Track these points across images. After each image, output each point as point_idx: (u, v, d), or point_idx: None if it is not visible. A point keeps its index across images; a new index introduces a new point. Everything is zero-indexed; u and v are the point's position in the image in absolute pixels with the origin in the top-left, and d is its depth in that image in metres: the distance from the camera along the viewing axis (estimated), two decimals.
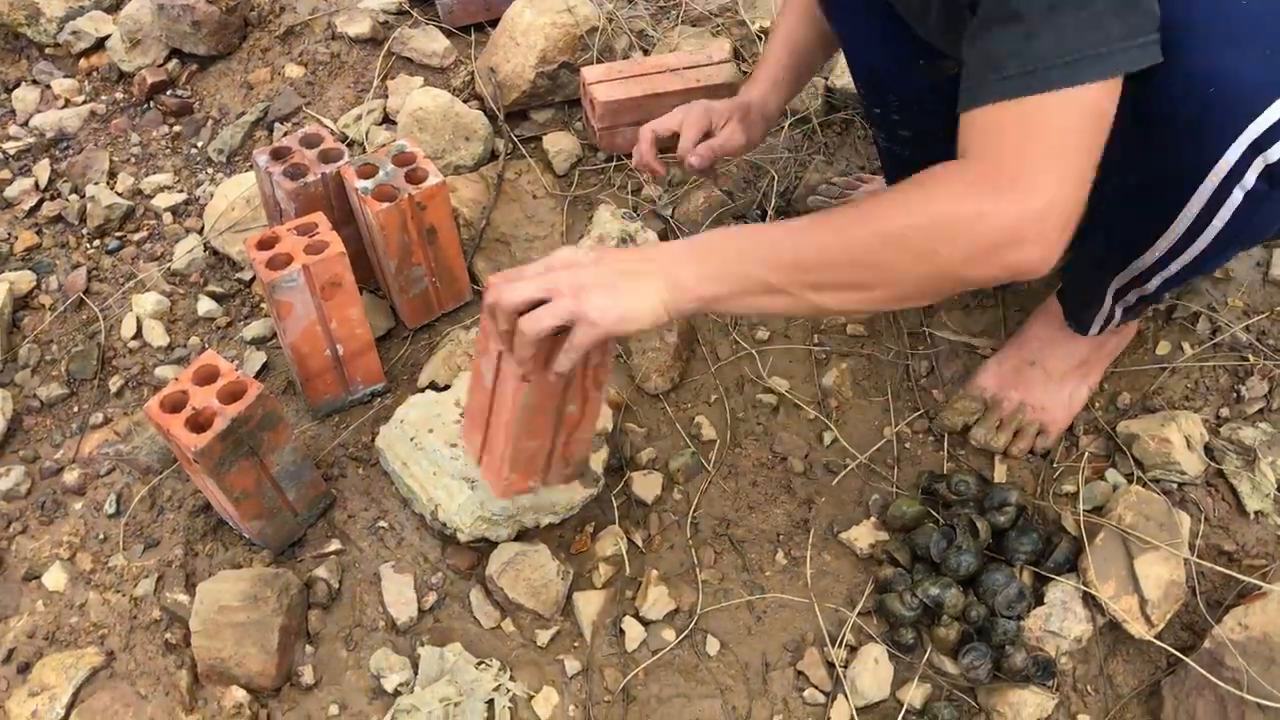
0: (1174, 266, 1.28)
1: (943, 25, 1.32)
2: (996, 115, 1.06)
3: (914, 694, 1.40)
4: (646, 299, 1.14)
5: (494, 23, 2.20)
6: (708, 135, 1.70)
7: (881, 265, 1.11)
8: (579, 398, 1.35)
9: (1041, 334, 1.60)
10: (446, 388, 1.70)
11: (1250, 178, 1.13)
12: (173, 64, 2.30)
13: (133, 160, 2.19)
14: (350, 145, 2.11)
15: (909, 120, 1.67)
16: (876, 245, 1.10)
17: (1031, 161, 1.04)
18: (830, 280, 1.13)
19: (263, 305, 1.89)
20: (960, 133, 1.11)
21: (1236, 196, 1.15)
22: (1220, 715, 1.31)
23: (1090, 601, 1.40)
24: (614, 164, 2.06)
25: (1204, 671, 1.32)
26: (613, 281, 1.14)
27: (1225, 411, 1.61)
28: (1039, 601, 1.42)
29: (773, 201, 1.95)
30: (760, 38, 2.25)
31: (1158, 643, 1.38)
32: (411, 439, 1.57)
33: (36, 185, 2.14)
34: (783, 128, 2.08)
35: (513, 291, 1.15)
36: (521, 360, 1.19)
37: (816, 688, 1.41)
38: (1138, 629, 1.38)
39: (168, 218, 2.07)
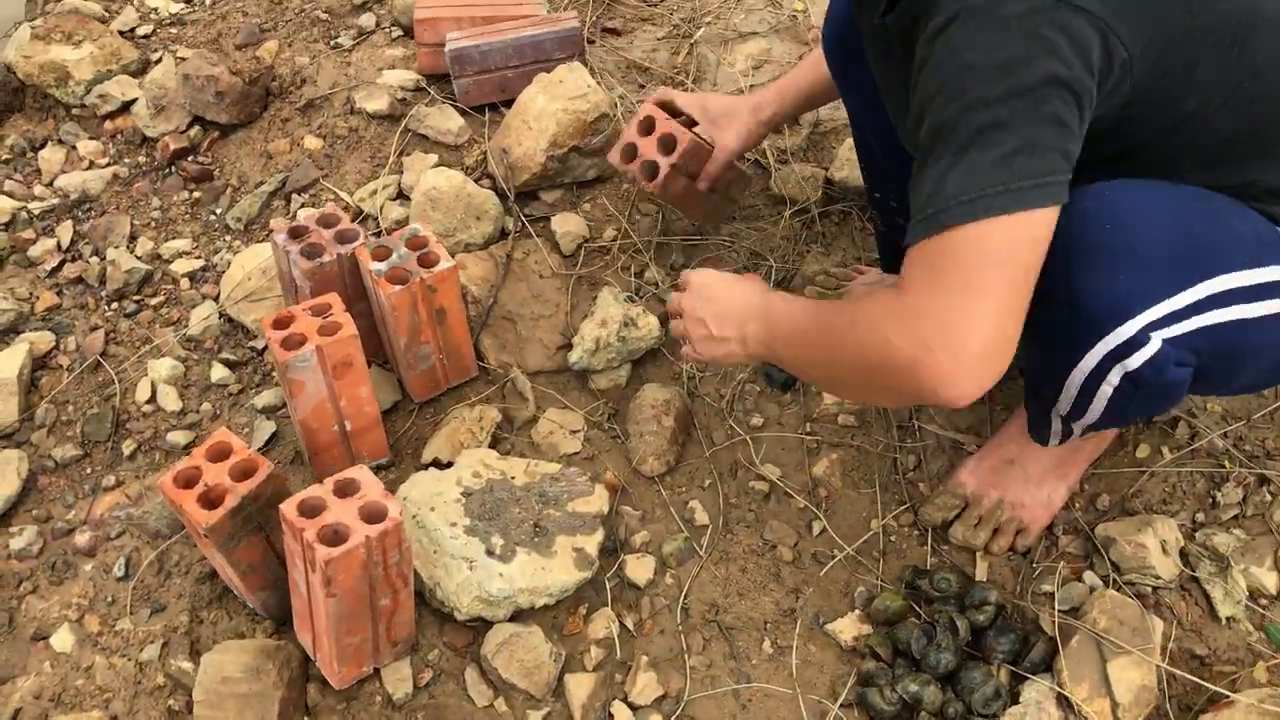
0: (1087, 421, 1.38)
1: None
2: (918, 251, 1.15)
3: None
4: (725, 352, 1.48)
5: (508, 103, 2.28)
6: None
7: (832, 372, 1.31)
8: (388, 591, 1.44)
9: (1019, 435, 1.66)
10: (449, 465, 1.75)
11: (1115, 378, 1.25)
12: (195, 130, 2.37)
13: (153, 224, 2.26)
14: (365, 219, 2.18)
15: (905, 209, 1.73)
16: (831, 354, 1.28)
17: (934, 294, 1.11)
18: (814, 375, 1.41)
19: (274, 374, 1.95)
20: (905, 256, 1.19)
21: (1105, 391, 1.28)
22: None
23: (1064, 702, 1.45)
24: (618, 244, 2.12)
25: None
26: (708, 341, 1.50)
27: (1201, 516, 1.66)
28: (1014, 700, 1.47)
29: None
30: None
31: None
32: (414, 517, 1.63)
33: (59, 246, 2.21)
34: (783, 216, 2.15)
35: (671, 308, 1.57)
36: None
37: None
38: None
39: (185, 283, 2.14)
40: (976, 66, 1.09)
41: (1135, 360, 1.23)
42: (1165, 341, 1.21)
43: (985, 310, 1.10)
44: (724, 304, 1.47)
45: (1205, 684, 1.46)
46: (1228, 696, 1.42)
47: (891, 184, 1.75)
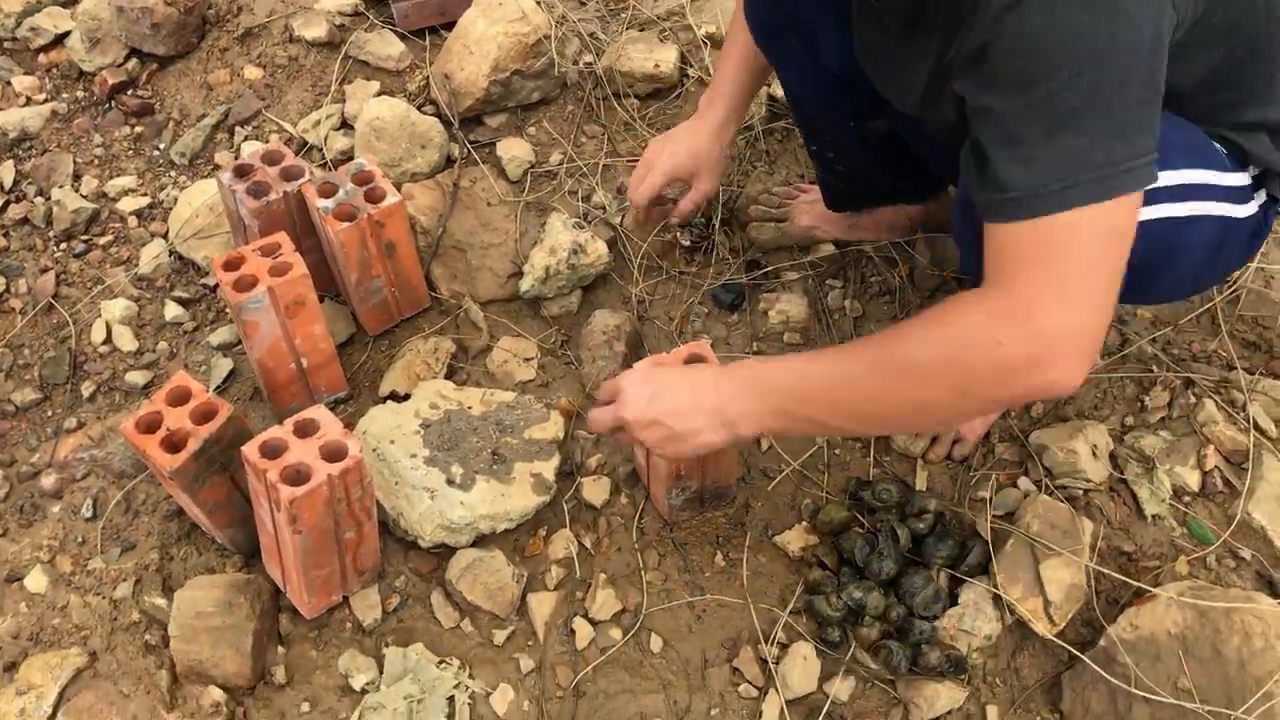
0: None
1: (922, 103, 1.37)
2: (1007, 236, 1.11)
3: (839, 687, 1.53)
4: (701, 443, 1.36)
5: (448, 26, 2.27)
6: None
7: (915, 399, 1.21)
8: (353, 525, 1.50)
9: None
10: (407, 397, 1.79)
11: None
12: (132, 63, 2.34)
13: (96, 162, 2.24)
14: (309, 151, 2.18)
15: (841, 158, 1.77)
16: (907, 383, 1.20)
17: (1041, 287, 1.09)
18: (873, 414, 1.27)
19: (228, 311, 1.97)
20: (985, 238, 1.16)
21: None
22: (1111, 707, 1.45)
23: (999, 602, 1.54)
24: (565, 169, 2.14)
25: (1098, 668, 1.46)
26: (673, 438, 1.37)
27: (1130, 420, 1.74)
28: (954, 602, 1.56)
29: (718, 210, 2.04)
30: (706, 43, 2.33)
31: (1058, 641, 1.52)
32: (374, 450, 1.67)
33: (2, 186, 2.20)
34: None
35: (598, 425, 1.45)
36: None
37: (750, 683, 1.54)
38: (1041, 628, 1.52)
39: (133, 221, 2.14)
40: (1061, 45, 1.04)
41: None
42: None
43: (1089, 298, 1.10)
44: (675, 397, 1.36)
45: (1130, 580, 1.55)
46: (1151, 591, 1.51)
47: (828, 138, 1.77)
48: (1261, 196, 1.41)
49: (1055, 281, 1.09)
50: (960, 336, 1.15)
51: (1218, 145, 1.36)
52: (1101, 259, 1.10)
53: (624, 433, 1.42)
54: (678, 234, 2.03)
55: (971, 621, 1.53)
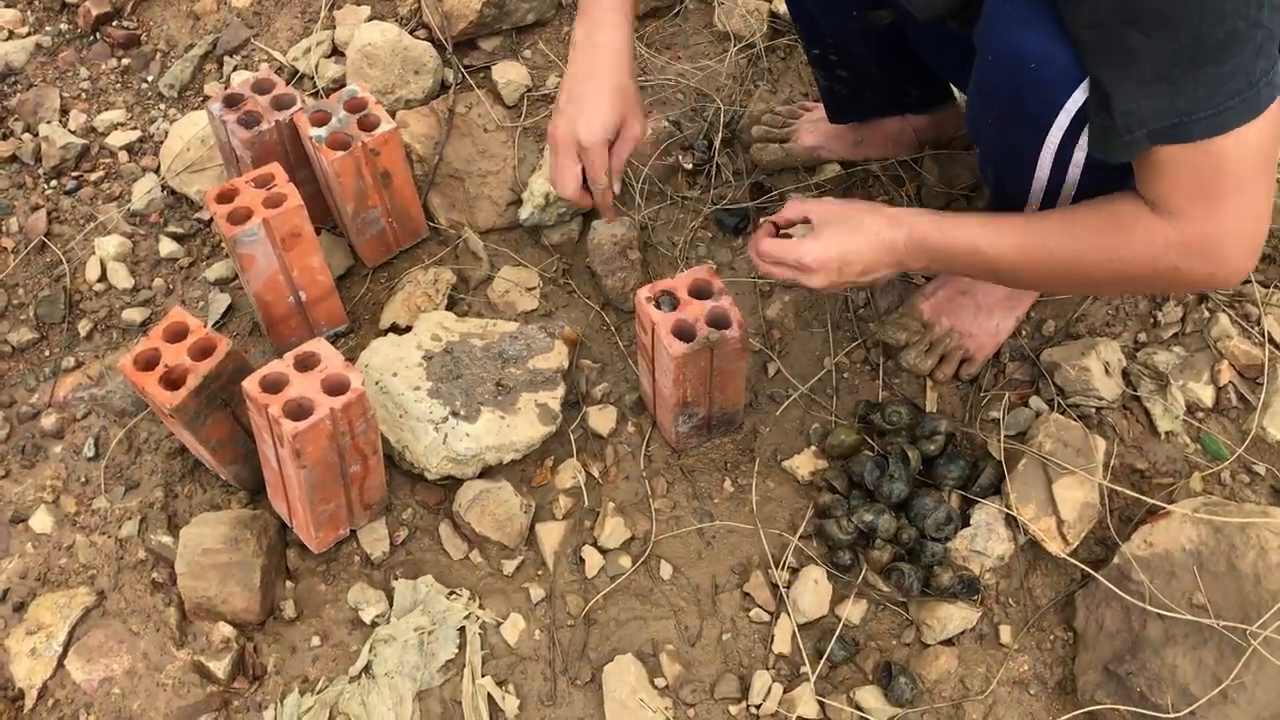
0: None
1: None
2: (1174, 166, 1.15)
3: (851, 610, 1.53)
4: (875, 279, 1.41)
5: None
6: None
7: (1084, 290, 1.48)
8: (358, 458, 1.48)
9: None
10: (408, 329, 1.77)
11: (1085, 139, 1.24)
12: None
13: (83, 96, 2.19)
14: (300, 79, 2.12)
15: (845, 61, 1.72)
16: (1071, 281, 1.34)
17: (1216, 213, 1.15)
18: (1030, 285, 1.47)
19: (224, 245, 1.94)
20: (1139, 175, 1.20)
21: (1078, 157, 1.28)
22: (1125, 624, 1.45)
23: (1012, 523, 1.53)
24: None
25: (1111, 585, 1.45)
26: (849, 281, 1.40)
27: (1143, 336, 1.71)
28: (965, 523, 1.54)
29: (719, 131, 2.00)
30: None
31: (1072, 560, 1.51)
32: (377, 383, 1.65)
33: None
34: (727, 54, 2.12)
35: (771, 254, 1.42)
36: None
37: (761, 607, 1.54)
38: (1055, 547, 1.51)
39: (123, 156, 2.10)
40: None
41: None
42: None
43: (1261, 214, 1.16)
44: (859, 254, 1.38)
45: (1144, 498, 1.54)
46: (1165, 508, 1.50)
47: (830, 39, 1.71)
48: None
49: (1229, 209, 1.15)
50: (1139, 262, 1.22)
51: None
52: (1261, 170, 1.14)
53: (785, 268, 1.41)
54: (679, 157, 1.99)
55: (984, 542, 1.52)
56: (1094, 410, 1.63)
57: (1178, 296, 1.73)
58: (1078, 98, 1.21)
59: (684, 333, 1.49)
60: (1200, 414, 1.64)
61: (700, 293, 1.53)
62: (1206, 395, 1.64)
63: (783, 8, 2.13)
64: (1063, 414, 1.62)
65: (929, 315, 1.71)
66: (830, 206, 1.42)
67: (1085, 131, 1.23)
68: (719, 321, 1.50)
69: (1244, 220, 1.16)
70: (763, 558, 1.58)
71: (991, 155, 1.44)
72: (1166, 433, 1.62)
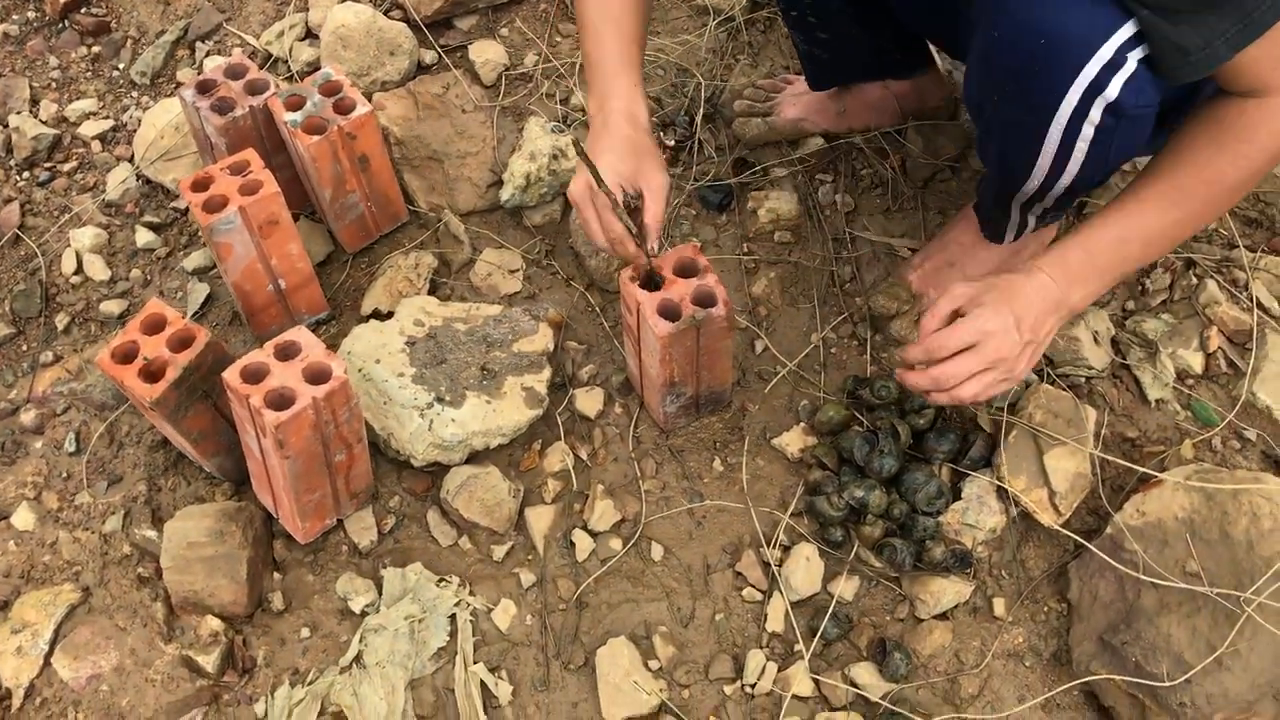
0: (1059, 188, 1.37)
1: None
2: (1259, 56, 1.16)
3: (844, 587, 1.52)
4: (1051, 339, 1.36)
5: None
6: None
7: (1232, 203, 1.35)
8: (342, 447, 1.46)
9: (962, 239, 1.67)
10: (390, 315, 1.75)
11: (1096, 114, 1.24)
12: None
13: (54, 85, 2.16)
14: (274, 64, 2.09)
15: (825, 24, 1.69)
16: (1226, 198, 1.31)
17: None
18: (1187, 234, 1.37)
19: (201, 234, 1.91)
20: (1229, 81, 1.22)
21: (1088, 132, 1.26)
22: (1119, 594, 1.44)
23: (1004, 495, 1.52)
24: (541, 70, 2.07)
25: (1105, 556, 1.45)
26: (1040, 344, 1.33)
27: (1131, 304, 1.70)
28: (956, 497, 1.53)
29: (700, 107, 1.98)
30: None
31: (1064, 531, 1.50)
32: (360, 370, 1.63)
33: None
34: (707, 28, 2.10)
35: (958, 374, 1.31)
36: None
37: (754, 586, 1.53)
38: (1047, 519, 1.50)
39: (96, 146, 2.06)
40: None
41: (1114, 86, 1.21)
42: (1139, 61, 1.20)
43: None
44: (1033, 312, 1.31)
45: (1136, 466, 1.53)
46: (1157, 476, 1.49)
47: (806, 2, 1.68)
48: None
49: None
50: (1271, 147, 1.25)
51: None
52: None
53: (988, 375, 1.31)
54: (661, 134, 1.97)
55: (975, 515, 1.52)
56: (1084, 380, 1.62)
57: (1165, 263, 1.72)
58: (1089, 70, 1.20)
59: (669, 312, 1.47)
60: (1190, 381, 1.63)
61: (685, 271, 1.51)
62: (1196, 362, 1.63)
63: None
64: (1052, 384, 1.61)
65: (917, 286, 1.70)
66: (967, 289, 1.35)
67: (1096, 104, 1.22)
68: (704, 300, 1.48)
69: None
70: (754, 536, 1.56)
71: (995, 131, 1.40)
72: (1157, 400, 1.61)
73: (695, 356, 1.52)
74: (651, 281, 1.50)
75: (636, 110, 1.44)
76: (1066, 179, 1.33)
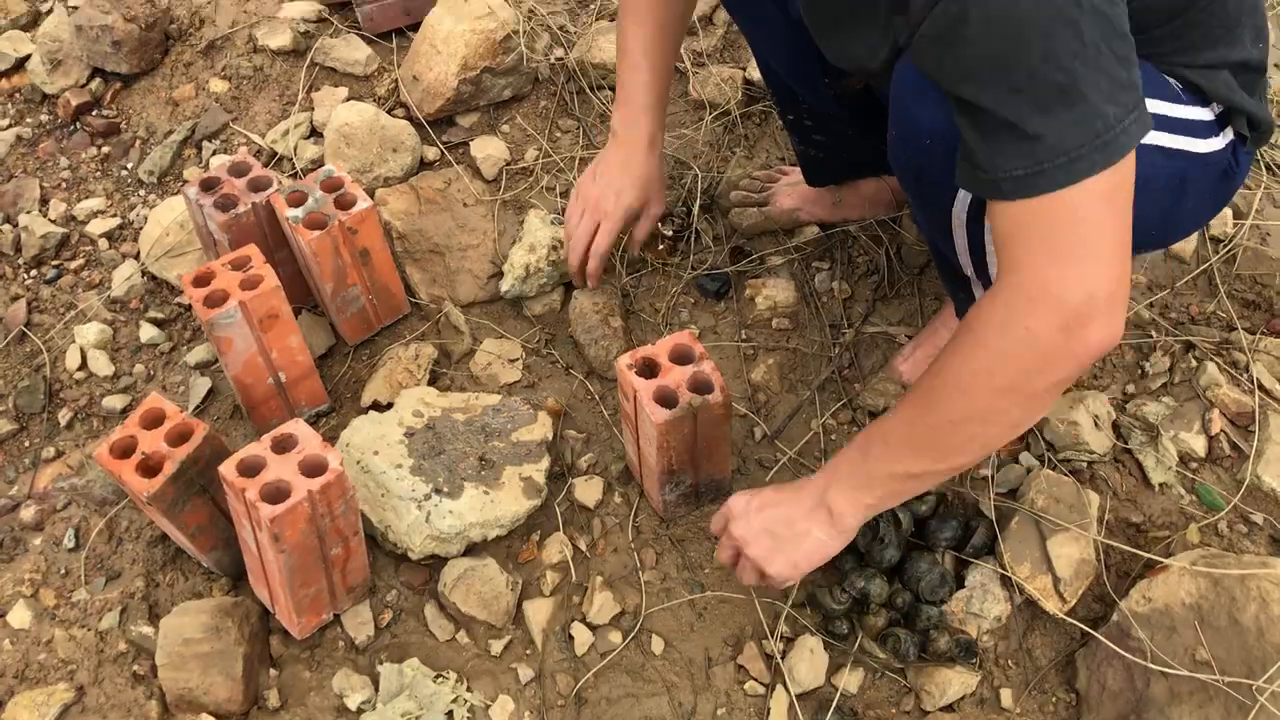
0: (995, 270, 1.35)
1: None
2: (1018, 215, 1.08)
3: (848, 679, 1.49)
4: (813, 545, 1.35)
5: (414, 28, 2.22)
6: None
7: (980, 411, 1.18)
8: (338, 540, 1.46)
9: (950, 323, 1.68)
10: (389, 406, 1.75)
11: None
12: (96, 83, 2.29)
13: (64, 185, 2.20)
14: (280, 161, 2.13)
15: (820, 126, 1.73)
16: (965, 399, 1.17)
17: (1051, 260, 1.07)
18: (954, 444, 1.23)
19: (203, 329, 1.93)
20: (992, 223, 1.14)
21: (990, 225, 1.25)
22: (1128, 683, 1.41)
23: (1007, 582, 1.50)
24: (541, 164, 2.10)
25: (1112, 644, 1.42)
26: (782, 545, 1.36)
27: (1131, 388, 1.70)
28: (960, 585, 1.51)
29: (697, 198, 2.00)
30: None
31: (1070, 619, 1.48)
32: (358, 462, 1.63)
33: None
34: (703, 122, 2.13)
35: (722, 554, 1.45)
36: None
37: (756, 680, 1.50)
38: (1052, 606, 1.48)
39: (103, 243, 2.09)
40: (1030, 19, 1.01)
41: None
42: None
43: (1113, 257, 1.08)
44: (779, 508, 1.37)
45: (1140, 552, 1.51)
46: (1162, 562, 1.47)
47: (803, 105, 1.72)
48: (1228, 134, 1.36)
49: (1065, 250, 1.07)
50: (990, 338, 1.13)
51: (1171, 80, 1.31)
52: (1108, 216, 1.07)
53: (743, 562, 1.42)
54: (659, 224, 1.99)
55: (980, 604, 1.49)
56: (1085, 464, 1.61)
57: (1164, 346, 1.72)
58: None
59: (666, 399, 1.47)
60: (1193, 464, 1.62)
61: (681, 358, 1.51)
62: (1199, 445, 1.62)
63: (756, 75, 2.15)
64: (1054, 469, 1.60)
65: (909, 375, 1.70)
66: (752, 524, 1.39)
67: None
68: (701, 387, 1.48)
69: (1094, 270, 1.07)
70: (756, 628, 1.54)
71: (918, 217, 1.44)
72: (1160, 484, 1.60)
73: (693, 444, 1.52)
74: (649, 368, 1.51)
75: (656, 140, 1.73)
76: (995, 263, 1.31)
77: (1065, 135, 1.03)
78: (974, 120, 1.09)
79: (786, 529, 1.35)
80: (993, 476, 1.59)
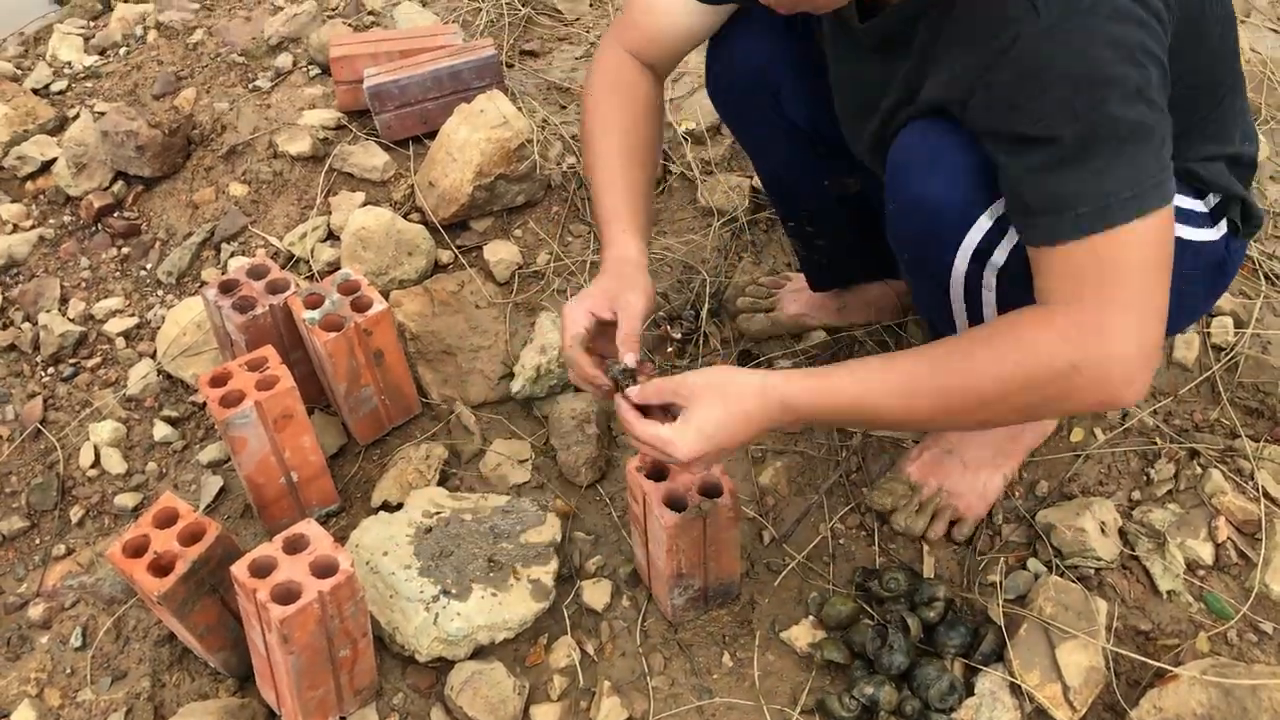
0: None
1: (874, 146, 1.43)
2: (1071, 255, 1.13)
3: None
4: (737, 415, 1.27)
5: (431, 135, 2.28)
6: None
7: (980, 417, 1.24)
8: (347, 642, 1.46)
9: None
10: (399, 507, 1.76)
11: (990, 278, 1.30)
12: (118, 186, 2.35)
13: (83, 285, 2.24)
14: (296, 263, 2.18)
15: (821, 231, 1.77)
16: (974, 400, 1.19)
17: (1110, 306, 1.12)
18: (932, 424, 1.39)
19: (217, 428, 1.95)
20: (1038, 267, 1.18)
21: (989, 297, 1.32)
22: None
23: (1017, 690, 1.49)
24: (552, 268, 2.14)
25: None
26: (726, 451, 1.30)
27: (1137, 494, 1.71)
28: (970, 692, 1.51)
29: (705, 302, 2.04)
30: (687, 139, 2.35)
31: None
32: (367, 563, 1.63)
33: None
34: (711, 228, 2.18)
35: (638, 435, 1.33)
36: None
37: None
38: (1062, 715, 1.46)
39: (120, 342, 2.13)
40: (1076, 74, 1.09)
41: (1001, 252, 1.26)
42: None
43: (1156, 311, 1.14)
44: (731, 435, 1.29)
45: (1150, 660, 1.50)
46: (1172, 671, 1.47)
47: (804, 209, 1.77)
48: (1222, 227, 1.41)
49: (1122, 298, 1.12)
50: (1035, 361, 1.15)
51: None
52: (1158, 268, 1.14)
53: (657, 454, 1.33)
54: (668, 327, 2.02)
55: (989, 712, 1.48)
56: (1093, 571, 1.61)
57: (1169, 453, 1.73)
58: (971, 238, 1.27)
59: (675, 502, 1.48)
60: (1201, 572, 1.62)
61: None
62: (1206, 553, 1.62)
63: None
64: (1061, 576, 1.60)
65: (916, 477, 1.71)
66: (695, 381, 1.32)
67: (988, 269, 1.29)
68: (710, 490, 1.49)
69: (1141, 319, 1.13)
70: None
71: (915, 293, 1.49)
72: (1168, 592, 1.60)
73: (702, 547, 1.52)
74: (659, 472, 1.52)
75: (628, 252, 1.49)
76: None
77: (1124, 175, 1.10)
78: (1035, 164, 1.14)
79: (733, 444, 1.29)
80: (1001, 583, 1.60)
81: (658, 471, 1.52)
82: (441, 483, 1.82)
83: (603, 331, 1.44)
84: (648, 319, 1.48)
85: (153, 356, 2.09)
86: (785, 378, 1.28)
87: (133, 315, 2.18)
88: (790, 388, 1.27)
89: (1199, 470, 1.72)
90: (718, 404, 1.28)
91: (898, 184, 1.33)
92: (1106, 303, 1.12)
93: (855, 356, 1.95)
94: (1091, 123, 1.10)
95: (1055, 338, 1.14)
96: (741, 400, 1.28)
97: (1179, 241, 1.31)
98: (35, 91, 2.60)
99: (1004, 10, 1.12)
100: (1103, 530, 1.63)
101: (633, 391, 1.37)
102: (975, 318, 1.38)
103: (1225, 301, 1.94)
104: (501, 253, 2.14)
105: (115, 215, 2.33)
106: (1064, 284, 1.15)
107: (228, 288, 1.81)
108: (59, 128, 2.50)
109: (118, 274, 2.26)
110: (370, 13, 2.73)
